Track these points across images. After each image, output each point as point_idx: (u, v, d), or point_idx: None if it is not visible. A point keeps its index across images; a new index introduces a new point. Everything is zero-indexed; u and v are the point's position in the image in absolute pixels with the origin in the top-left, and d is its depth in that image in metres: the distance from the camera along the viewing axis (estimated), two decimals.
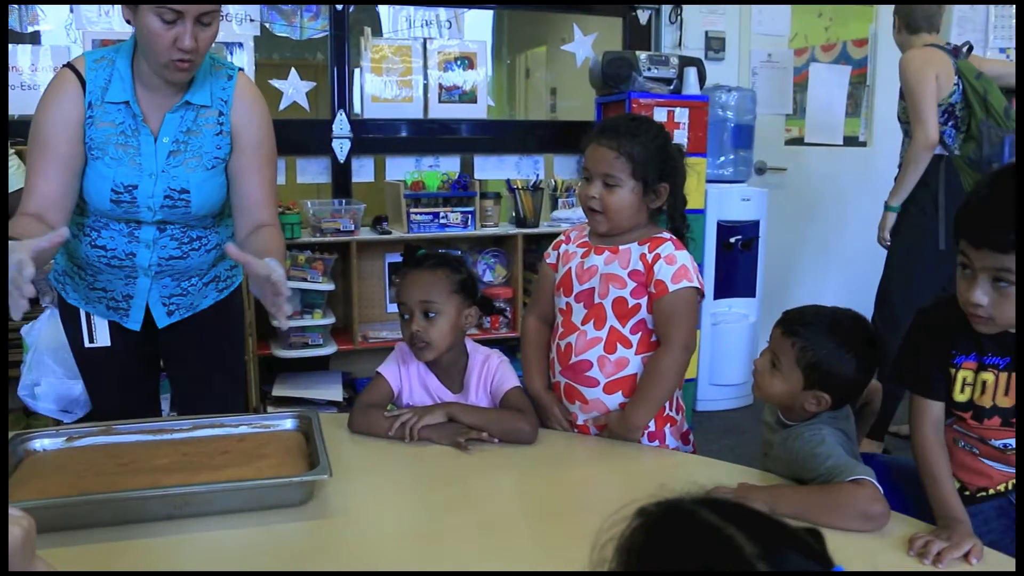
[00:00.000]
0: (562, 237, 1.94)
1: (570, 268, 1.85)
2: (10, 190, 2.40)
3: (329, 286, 3.05)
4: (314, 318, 3.05)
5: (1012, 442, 1.47)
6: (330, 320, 3.10)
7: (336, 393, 3.14)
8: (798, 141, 4.62)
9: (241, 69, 1.92)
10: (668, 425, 1.82)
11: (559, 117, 5.57)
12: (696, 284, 1.75)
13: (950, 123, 3.27)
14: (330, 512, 1.40)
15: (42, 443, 1.56)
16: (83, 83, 1.78)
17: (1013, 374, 1.44)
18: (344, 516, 1.40)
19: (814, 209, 4.63)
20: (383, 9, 3.67)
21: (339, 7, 3.41)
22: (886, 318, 3.32)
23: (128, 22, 1.71)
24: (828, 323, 1.56)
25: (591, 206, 1.78)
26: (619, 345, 1.78)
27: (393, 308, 3.49)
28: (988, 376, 1.46)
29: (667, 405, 1.81)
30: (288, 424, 1.67)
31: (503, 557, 1.29)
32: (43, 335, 2.38)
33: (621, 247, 1.79)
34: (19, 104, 3.16)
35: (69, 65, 1.80)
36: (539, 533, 1.39)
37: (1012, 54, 4.91)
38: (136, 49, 1.78)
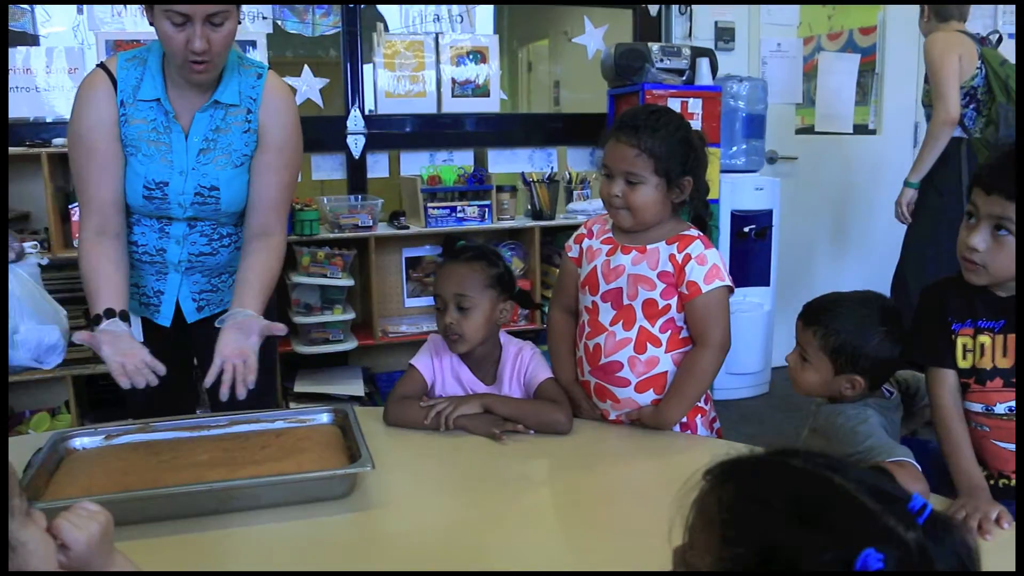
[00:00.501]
0: (583, 231, 1.90)
1: (595, 266, 1.82)
2: None
3: (349, 282, 3.06)
4: (335, 314, 3.06)
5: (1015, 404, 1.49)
6: (350, 316, 3.11)
7: (358, 388, 3.14)
8: (808, 130, 4.62)
9: (270, 68, 1.92)
10: (699, 416, 1.82)
11: (565, 110, 5.57)
12: (728, 282, 1.73)
13: (971, 106, 3.30)
14: (373, 504, 1.41)
15: (82, 442, 1.58)
16: (114, 82, 1.79)
17: (1009, 335, 1.47)
18: (386, 508, 1.41)
19: (825, 197, 4.64)
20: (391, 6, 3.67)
21: (350, 4, 3.41)
22: (902, 302, 3.33)
23: (151, 23, 1.71)
24: (846, 306, 1.59)
25: (614, 204, 1.75)
26: (649, 345, 1.76)
27: (411, 303, 3.52)
28: (985, 339, 1.49)
29: None
30: (324, 418, 1.68)
31: (547, 545, 1.32)
32: (19, 279, 2.38)
33: (649, 247, 1.76)
34: (34, 107, 3.16)
35: (101, 65, 1.82)
36: (581, 520, 1.40)
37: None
38: None
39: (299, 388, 3.08)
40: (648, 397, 1.78)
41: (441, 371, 1.85)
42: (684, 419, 1.79)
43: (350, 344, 3.12)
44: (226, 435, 1.62)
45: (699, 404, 1.81)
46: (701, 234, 1.77)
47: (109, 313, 1.74)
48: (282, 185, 1.91)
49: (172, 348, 2.02)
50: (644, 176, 1.71)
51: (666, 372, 1.77)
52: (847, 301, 1.60)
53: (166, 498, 1.35)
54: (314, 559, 1.25)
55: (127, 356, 1.67)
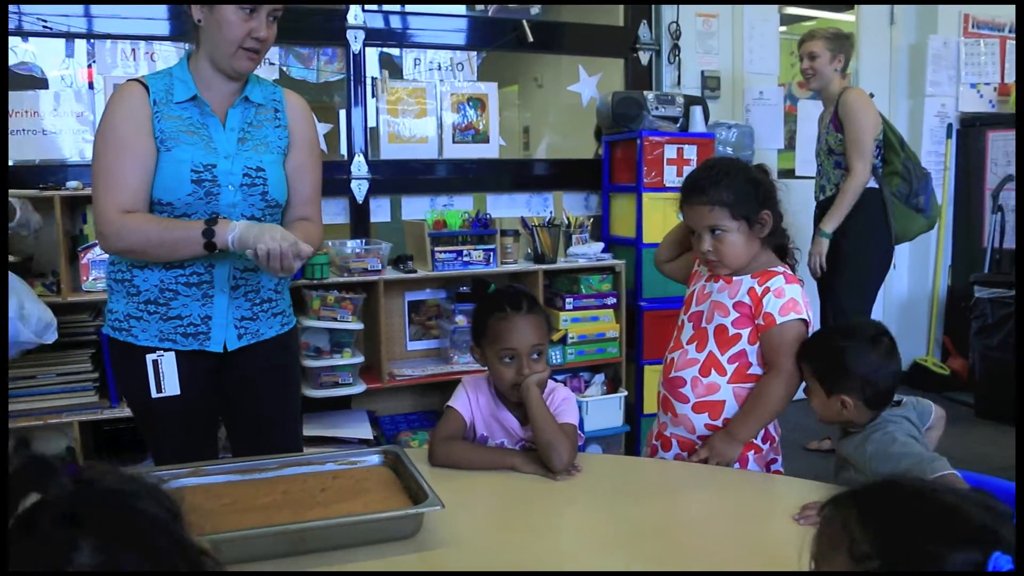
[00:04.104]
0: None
1: (694, 289, 1.96)
2: None
3: (359, 325, 3.07)
4: (344, 357, 3.07)
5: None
6: (359, 359, 3.12)
7: (366, 431, 3.14)
8: (789, 173, 4.76)
9: None
10: (752, 452, 1.88)
11: (535, 155, 5.70)
12: (804, 316, 1.81)
13: (879, 157, 3.60)
14: (442, 542, 1.43)
15: None
16: (147, 88, 1.89)
17: None
18: (457, 546, 1.43)
19: (807, 238, 4.75)
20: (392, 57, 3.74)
21: (355, 51, 3.47)
22: None
23: (198, 22, 1.86)
24: (822, 335, 1.78)
25: (709, 258, 1.87)
26: (713, 371, 1.87)
27: (413, 346, 3.54)
28: None
29: None
30: (374, 460, 1.69)
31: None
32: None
33: (735, 278, 1.87)
34: (41, 150, 3.15)
35: (133, 79, 1.93)
36: (647, 553, 1.42)
37: (982, 89, 5.15)
38: (190, 59, 1.93)
39: (308, 432, 3.06)
40: (702, 420, 1.88)
41: (479, 410, 1.88)
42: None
43: (359, 388, 3.12)
44: (280, 478, 1.62)
45: (754, 441, 1.87)
46: (786, 271, 1.86)
47: (210, 223, 1.82)
48: (316, 181, 2.07)
49: (208, 396, 2.01)
50: (725, 224, 1.82)
51: (724, 401, 1.86)
52: (825, 331, 1.80)
53: (240, 541, 1.35)
54: None
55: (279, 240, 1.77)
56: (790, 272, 1.87)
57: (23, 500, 0.68)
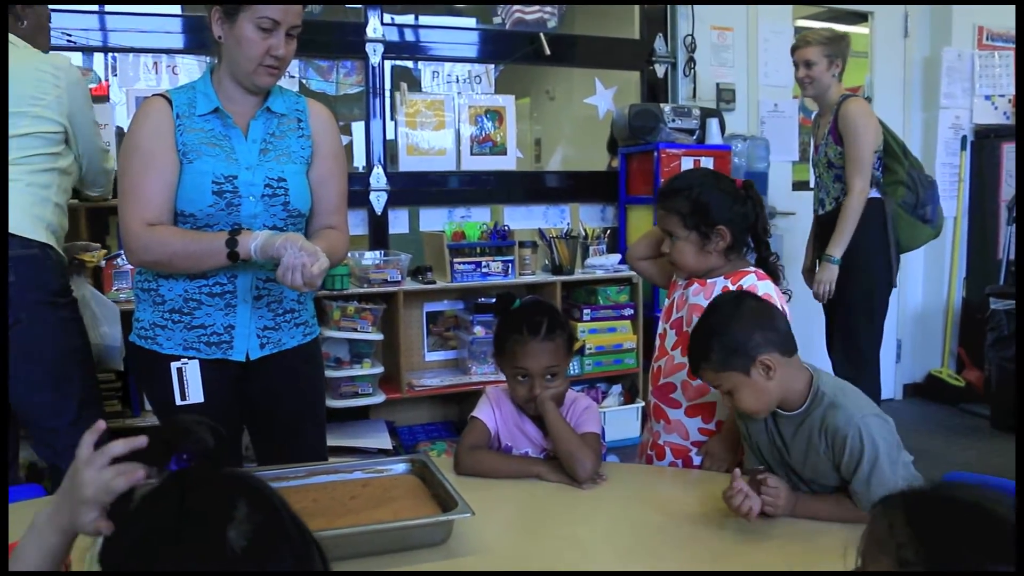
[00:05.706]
0: None
1: (673, 298, 2.01)
2: None
3: (379, 336, 3.10)
4: (364, 368, 3.09)
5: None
6: (379, 369, 3.14)
7: (385, 441, 3.16)
8: (803, 185, 4.77)
9: None
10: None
11: (547, 167, 5.72)
12: (778, 306, 1.80)
13: (879, 168, 3.41)
14: (471, 549, 1.45)
15: None
16: (170, 102, 1.92)
17: None
18: (486, 553, 1.44)
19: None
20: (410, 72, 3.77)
21: (374, 64, 3.50)
22: (853, 358, 3.44)
23: (219, 38, 1.88)
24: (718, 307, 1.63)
25: (668, 260, 1.97)
26: None
27: (432, 356, 3.56)
28: None
29: None
30: (401, 468, 1.71)
31: None
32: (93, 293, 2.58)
33: (709, 281, 1.93)
34: None
35: (156, 94, 1.96)
36: (681, 555, 1.44)
37: (996, 100, 5.15)
38: (213, 73, 1.95)
39: (328, 441, 3.07)
40: (696, 423, 1.92)
41: (503, 421, 1.90)
42: None
43: (378, 398, 3.14)
44: (309, 486, 1.64)
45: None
46: (757, 269, 1.91)
47: (233, 233, 1.83)
48: (342, 190, 2.09)
49: (231, 404, 2.03)
50: (677, 232, 1.91)
51: (715, 403, 1.90)
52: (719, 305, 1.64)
53: None
54: None
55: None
56: (761, 271, 1.91)
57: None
